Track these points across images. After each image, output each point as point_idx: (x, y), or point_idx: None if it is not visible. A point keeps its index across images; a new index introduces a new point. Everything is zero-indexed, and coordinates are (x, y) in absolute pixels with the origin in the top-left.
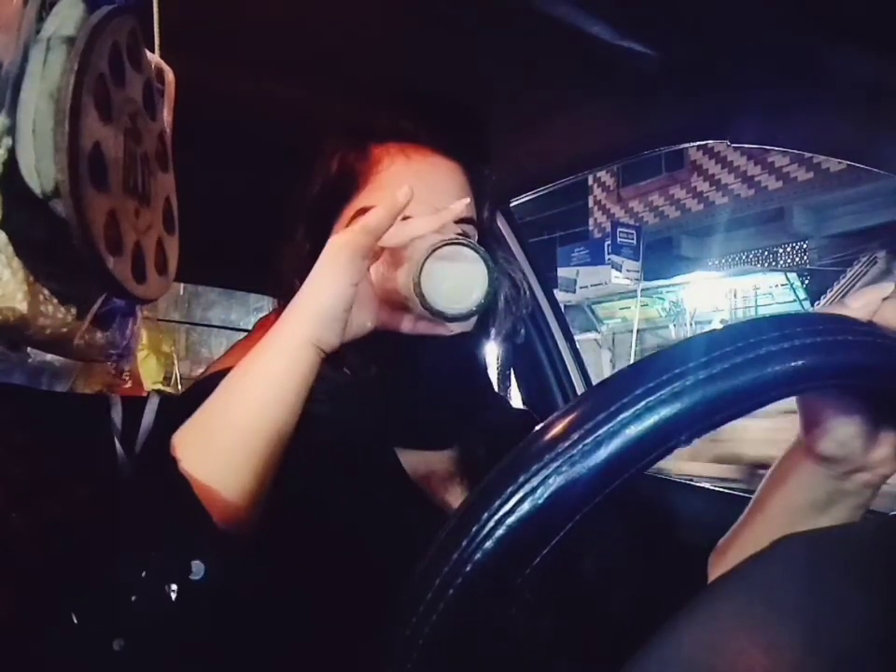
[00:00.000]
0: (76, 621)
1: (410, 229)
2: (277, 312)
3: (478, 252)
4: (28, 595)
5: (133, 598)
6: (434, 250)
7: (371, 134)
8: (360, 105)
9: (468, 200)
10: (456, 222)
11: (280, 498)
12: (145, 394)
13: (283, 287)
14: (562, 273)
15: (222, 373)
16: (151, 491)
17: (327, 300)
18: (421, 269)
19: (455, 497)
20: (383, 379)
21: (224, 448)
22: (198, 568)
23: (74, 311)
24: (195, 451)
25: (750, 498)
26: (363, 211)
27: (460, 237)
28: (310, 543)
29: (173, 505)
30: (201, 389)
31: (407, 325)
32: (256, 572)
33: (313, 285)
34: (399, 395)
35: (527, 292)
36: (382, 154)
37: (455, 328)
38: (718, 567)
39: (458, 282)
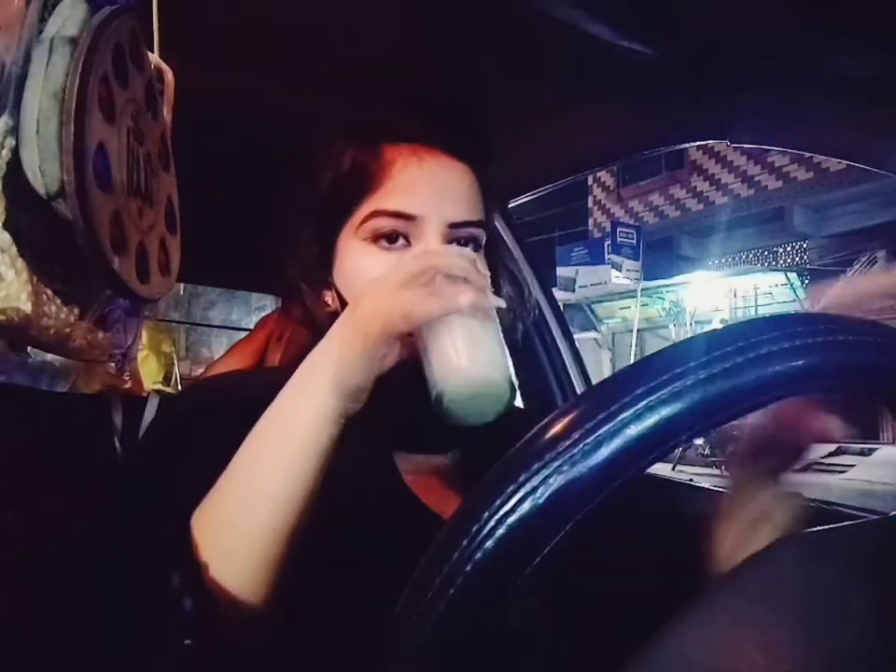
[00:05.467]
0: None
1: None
2: (279, 311)
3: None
4: (26, 594)
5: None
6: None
7: (381, 133)
8: (367, 104)
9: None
10: (466, 225)
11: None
12: (145, 394)
13: (287, 288)
14: (561, 272)
15: (218, 383)
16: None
17: (358, 376)
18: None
19: (455, 501)
20: (386, 386)
21: (241, 552)
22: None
23: (77, 311)
24: (209, 543)
25: None
26: (376, 214)
27: None
28: (309, 549)
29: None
30: (197, 396)
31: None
32: None
33: (342, 360)
34: (403, 399)
35: (531, 293)
36: (394, 155)
37: None
38: None
39: (479, 402)
